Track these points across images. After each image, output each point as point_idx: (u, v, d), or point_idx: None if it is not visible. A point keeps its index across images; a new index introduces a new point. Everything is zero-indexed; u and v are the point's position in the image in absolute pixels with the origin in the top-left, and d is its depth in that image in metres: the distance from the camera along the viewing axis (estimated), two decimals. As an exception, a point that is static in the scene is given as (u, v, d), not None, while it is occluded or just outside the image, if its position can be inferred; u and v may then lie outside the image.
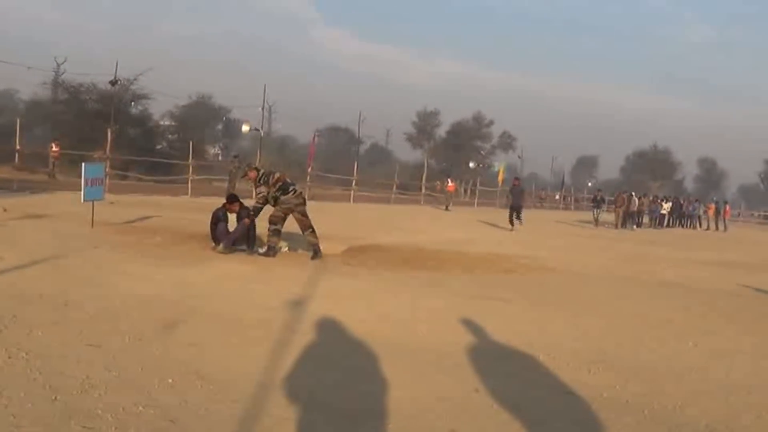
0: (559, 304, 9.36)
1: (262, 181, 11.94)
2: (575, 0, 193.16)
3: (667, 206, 39.80)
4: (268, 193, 11.85)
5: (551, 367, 5.90)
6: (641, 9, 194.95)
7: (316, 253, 11.90)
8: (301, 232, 12.23)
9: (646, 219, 37.84)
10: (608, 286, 11.45)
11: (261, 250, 11.85)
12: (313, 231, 12.11)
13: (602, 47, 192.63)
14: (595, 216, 34.54)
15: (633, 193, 37.75)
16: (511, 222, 24.84)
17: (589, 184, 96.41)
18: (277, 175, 12.07)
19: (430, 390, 5.07)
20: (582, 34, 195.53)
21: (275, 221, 11.80)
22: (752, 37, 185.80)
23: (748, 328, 8.58)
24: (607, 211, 39.04)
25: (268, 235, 11.85)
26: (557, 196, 68.63)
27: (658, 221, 38.71)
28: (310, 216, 12.27)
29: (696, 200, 46.89)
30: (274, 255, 11.63)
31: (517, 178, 28.68)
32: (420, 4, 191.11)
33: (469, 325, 7.33)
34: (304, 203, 12.18)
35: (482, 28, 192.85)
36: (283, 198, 11.86)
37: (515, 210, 25.13)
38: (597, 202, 35.97)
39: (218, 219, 11.98)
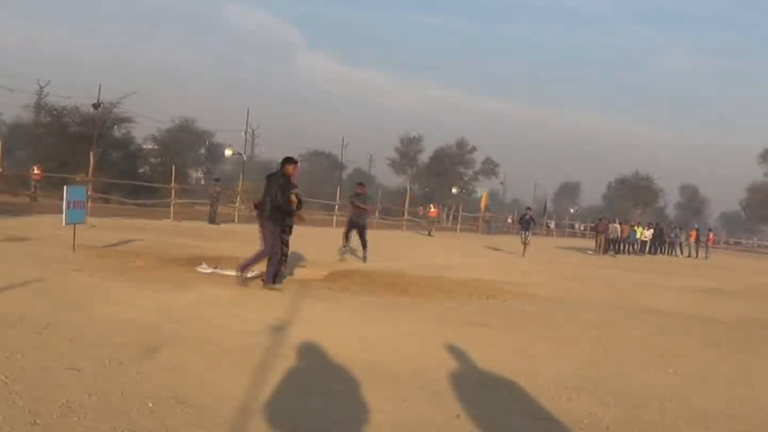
0: (540, 330, 9.40)
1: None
2: (558, 28, 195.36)
3: (648, 233, 39.98)
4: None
5: (532, 393, 5.91)
6: (625, 37, 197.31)
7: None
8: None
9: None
10: (589, 313, 11.49)
11: (251, 274, 11.80)
12: (286, 260, 12.04)
13: (584, 74, 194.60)
14: (524, 240, 28.06)
15: (616, 219, 37.98)
16: (346, 237, 18.10)
17: (572, 210, 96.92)
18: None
19: (411, 416, 5.07)
20: (565, 61, 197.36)
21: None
22: (735, 66, 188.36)
23: (728, 355, 8.65)
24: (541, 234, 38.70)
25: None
26: (509, 219, 68.70)
27: (639, 248, 38.90)
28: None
29: (676, 227, 47.09)
30: (281, 282, 11.56)
31: (361, 184, 20.00)
32: (403, 29, 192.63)
33: (451, 350, 7.34)
34: (290, 232, 12.03)
35: (466, 54, 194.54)
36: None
37: (355, 228, 18.03)
38: (525, 223, 28.86)
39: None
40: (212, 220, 28.84)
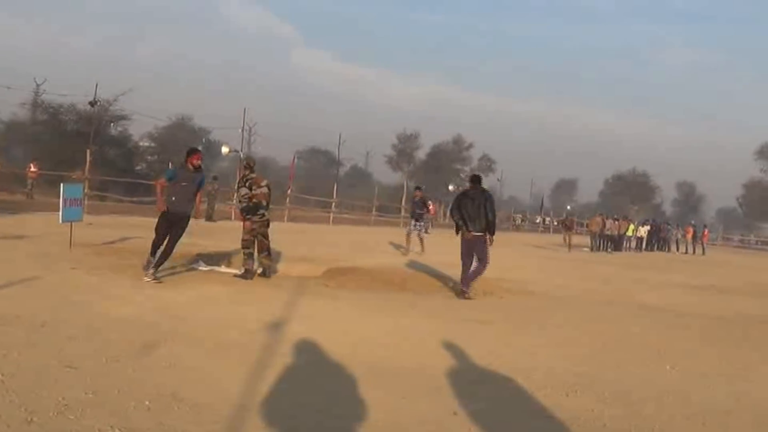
0: (537, 327, 9.40)
1: (247, 184, 11.88)
2: (555, 23, 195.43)
3: (643, 230, 39.97)
4: (249, 199, 11.78)
5: (530, 390, 5.91)
6: (623, 33, 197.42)
7: (265, 273, 11.93)
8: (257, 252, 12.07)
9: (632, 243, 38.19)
10: (586, 309, 11.49)
11: (238, 273, 11.81)
12: (269, 254, 12.08)
13: (582, 71, 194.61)
14: (418, 232, 21.11)
15: (615, 216, 37.98)
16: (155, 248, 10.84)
17: (568, 207, 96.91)
18: (260, 191, 11.82)
19: (409, 413, 5.07)
20: (562, 58, 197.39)
21: (246, 245, 11.77)
22: (733, 62, 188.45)
23: (726, 351, 8.64)
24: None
25: (243, 260, 11.81)
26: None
27: (636, 245, 38.91)
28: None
29: (668, 223, 47.16)
30: (251, 278, 11.59)
31: (196, 152, 11.14)
32: (400, 26, 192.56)
33: (449, 347, 7.34)
34: (267, 226, 12.08)
35: (463, 51, 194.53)
36: (250, 217, 11.81)
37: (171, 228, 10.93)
38: (416, 210, 21.36)
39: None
40: (209, 218, 28.80)
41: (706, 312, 12.43)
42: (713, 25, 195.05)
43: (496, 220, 11.89)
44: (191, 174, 10.92)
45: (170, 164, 31.79)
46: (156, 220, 10.88)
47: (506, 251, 24.58)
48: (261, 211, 11.81)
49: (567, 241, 32.68)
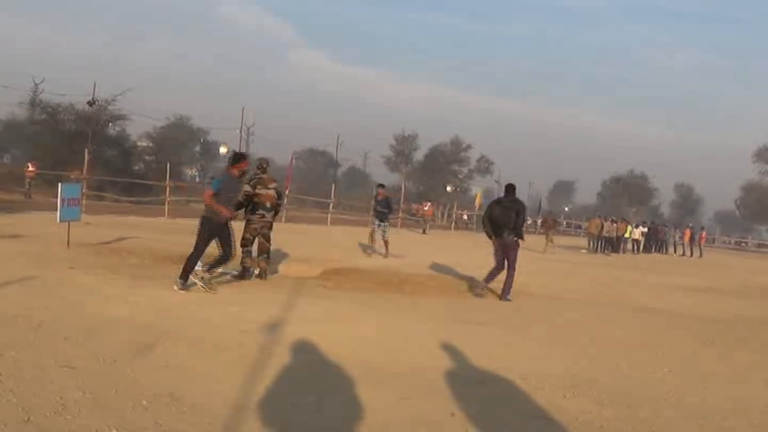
0: (534, 329, 9.41)
1: (251, 183, 11.78)
2: (554, 25, 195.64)
3: (638, 232, 39.94)
4: (249, 198, 11.71)
5: (527, 392, 5.91)
6: (620, 34, 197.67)
7: (261, 275, 11.85)
8: (257, 254, 12.02)
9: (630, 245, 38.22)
10: (585, 311, 11.49)
11: (234, 272, 11.79)
12: (268, 257, 12.03)
13: (580, 73, 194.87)
14: (381, 232, 19.47)
15: (614, 218, 37.96)
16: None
17: (566, 209, 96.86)
18: (264, 192, 11.79)
19: (406, 414, 5.06)
20: (560, 60, 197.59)
21: (246, 244, 11.75)
22: (730, 64, 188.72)
23: (723, 353, 8.64)
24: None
25: (241, 258, 11.79)
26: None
27: (634, 247, 38.92)
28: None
29: (666, 225, 47.22)
30: (249, 277, 11.59)
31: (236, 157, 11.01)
32: (399, 28, 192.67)
33: (446, 348, 7.33)
34: (270, 228, 12.03)
35: (462, 52, 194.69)
36: (249, 216, 11.80)
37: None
38: (380, 211, 19.62)
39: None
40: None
41: (705, 314, 12.44)
42: (713, 26, 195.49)
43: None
44: (236, 182, 10.68)
45: (168, 165, 31.83)
46: (199, 228, 10.26)
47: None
48: (260, 212, 11.76)
49: (547, 240, 32.24)
